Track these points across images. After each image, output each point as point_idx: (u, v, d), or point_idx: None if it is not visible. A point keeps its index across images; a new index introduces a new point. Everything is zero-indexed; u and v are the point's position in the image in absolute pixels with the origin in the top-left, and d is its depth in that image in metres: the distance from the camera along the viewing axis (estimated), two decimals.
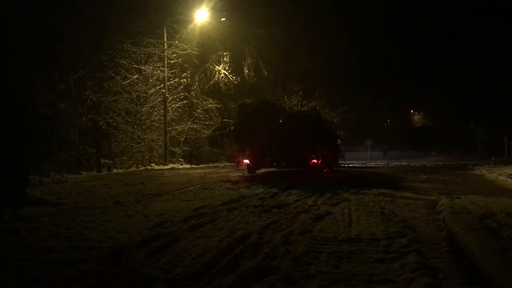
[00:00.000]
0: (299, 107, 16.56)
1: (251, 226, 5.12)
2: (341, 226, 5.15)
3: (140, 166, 19.96)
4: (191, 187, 9.85)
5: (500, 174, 12.04)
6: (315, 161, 13.67)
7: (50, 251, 3.99)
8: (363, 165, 21.43)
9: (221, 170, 17.24)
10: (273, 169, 14.95)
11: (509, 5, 31.88)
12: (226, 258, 3.67)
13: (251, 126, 13.60)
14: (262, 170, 15.01)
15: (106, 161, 17.78)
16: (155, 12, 20.27)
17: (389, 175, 14.03)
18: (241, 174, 13.87)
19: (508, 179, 10.81)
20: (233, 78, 24.18)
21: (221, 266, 3.46)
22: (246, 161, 14.19)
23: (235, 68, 24.42)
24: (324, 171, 14.50)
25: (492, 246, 3.64)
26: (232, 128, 15.15)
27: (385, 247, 4.09)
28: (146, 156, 21.16)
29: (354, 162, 24.76)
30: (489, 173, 13.28)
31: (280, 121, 14.39)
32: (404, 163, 22.94)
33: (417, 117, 50.93)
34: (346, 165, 19.95)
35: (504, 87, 30.92)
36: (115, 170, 17.78)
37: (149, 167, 19.79)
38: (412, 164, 22.08)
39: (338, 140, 17.05)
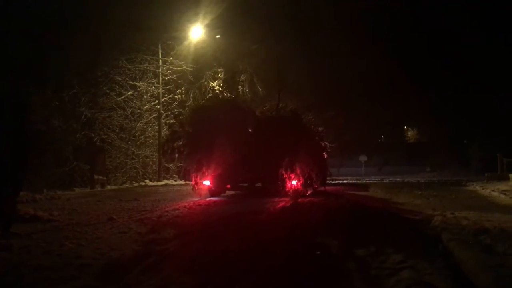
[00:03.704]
0: (274, 111, 12.95)
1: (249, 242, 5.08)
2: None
3: (134, 182, 19.86)
4: (185, 204, 9.81)
5: (493, 190, 12.09)
6: (294, 182, 10.75)
7: (43, 268, 3.95)
8: (358, 181, 21.42)
9: None
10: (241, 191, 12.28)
11: (500, 23, 32.28)
12: (221, 276, 3.64)
13: (211, 136, 10.86)
14: (228, 193, 12.34)
15: (100, 177, 17.70)
16: (150, 29, 20.39)
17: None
18: (198, 198, 11.05)
19: (502, 195, 10.86)
20: (227, 95, 24.28)
21: (216, 285, 3.44)
22: (206, 182, 11.34)
23: (229, 84, 24.53)
24: (308, 193, 11.67)
25: (486, 262, 3.65)
26: (185, 140, 11.80)
27: (380, 263, 4.08)
28: (140, 172, 21.09)
29: (349, 177, 24.76)
30: (483, 189, 13.32)
31: (249, 130, 11.83)
32: (398, 179, 22.96)
33: (411, 133, 51.12)
34: (339, 181, 19.89)
35: (498, 103, 31.17)
36: (108, 187, 17.68)
37: (143, 184, 19.70)
38: (406, 180, 22.11)
39: (324, 153, 13.88)
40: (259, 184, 11.64)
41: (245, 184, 11.74)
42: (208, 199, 10.89)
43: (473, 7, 33.33)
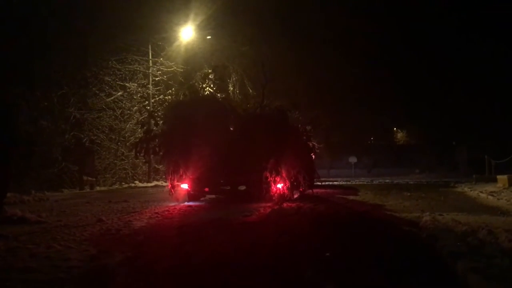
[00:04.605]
0: (258, 109, 11.75)
1: (237, 243, 5.07)
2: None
3: (123, 183, 19.76)
4: (175, 205, 9.77)
5: (481, 192, 12.18)
6: (280, 185, 9.80)
7: (30, 270, 3.91)
8: (347, 182, 21.47)
9: None
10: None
11: (489, 28, 32.73)
12: (211, 279, 3.63)
13: (189, 135, 10.05)
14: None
15: (89, 178, 17.59)
16: (140, 30, 20.35)
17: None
18: (175, 203, 10.08)
19: (489, 197, 10.95)
20: (218, 96, 24.22)
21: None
22: (184, 185, 10.45)
23: (220, 85, 24.49)
24: (295, 196, 10.71)
25: (474, 264, 3.68)
26: (161, 139, 10.82)
27: None
28: (130, 174, 20.98)
29: (339, 179, 24.84)
30: (471, 190, 13.42)
31: (231, 128, 10.95)
32: (387, 181, 23.08)
33: (400, 135, 51.45)
34: (329, 183, 19.93)
35: (486, 106, 31.56)
36: (98, 188, 17.58)
37: (133, 185, 19.61)
38: (395, 181, 22.22)
39: (312, 154, 12.83)
40: (242, 187, 10.67)
41: (227, 188, 10.69)
42: (185, 203, 10.14)
43: (460, 15, 33.85)
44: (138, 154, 11.89)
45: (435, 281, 3.63)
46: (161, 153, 11.06)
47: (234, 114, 11.23)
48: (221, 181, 10.61)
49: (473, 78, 33.27)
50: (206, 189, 10.77)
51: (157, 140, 11.02)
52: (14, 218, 6.97)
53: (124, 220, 7.29)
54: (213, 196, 11.35)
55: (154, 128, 11.73)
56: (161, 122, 11.72)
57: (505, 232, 4.86)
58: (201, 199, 11.00)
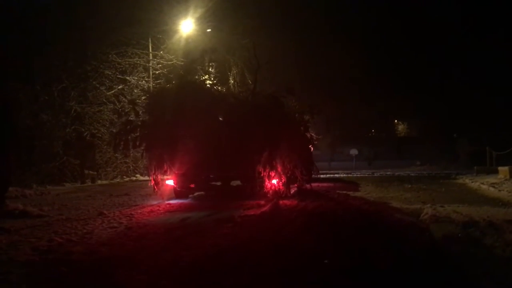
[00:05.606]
0: (250, 96, 10.63)
1: (237, 237, 5.08)
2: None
3: (125, 177, 19.77)
4: (176, 198, 9.77)
5: (482, 183, 12.18)
6: (274, 181, 8.89)
7: (32, 264, 3.92)
8: (348, 175, 21.45)
9: None
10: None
11: (488, 21, 32.57)
12: (212, 272, 3.63)
13: (174, 126, 9.13)
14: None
15: (90, 172, 17.61)
16: (140, 23, 20.25)
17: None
18: (158, 202, 9.12)
19: (491, 188, 10.95)
20: (218, 89, 24.17)
21: (206, 280, 3.42)
22: (170, 181, 9.70)
23: (220, 78, 24.45)
24: (292, 192, 9.60)
25: (475, 255, 3.69)
26: (142, 130, 9.67)
27: None
28: (131, 167, 20.97)
29: (340, 171, 24.82)
30: (472, 182, 13.42)
31: (220, 118, 9.86)
32: (389, 173, 23.05)
33: (401, 127, 51.40)
34: (330, 175, 19.93)
35: (487, 98, 31.47)
36: (99, 181, 17.60)
37: (134, 178, 19.62)
38: (396, 173, 22.21)
39: (310, 146, 11.40)
40: (235, 183, 9.97)
41: (218, 183, 9.85)
42: (171, 201, 9.26)
43: (460, 6, 33.71)
44: (116, 148, 10.71)
45: (436, 277, 3.62)
46: (142, 147, 9.89)
47: (224, 102, 10.02)
48: (211, 176, 9.84)
49: (474, 70, 33.16)
50: (192, 185, 9.92)
51: (138, 131, 9.80)
52: (16, 212, 7.01)
53: (125, 213, 7.30)
54: (202, 192, 10.31)
55: (135, 118, 10.61)
56: (143, 111, 10.67)
57: (506, 223, 4.87)
58: (190, 196, 10.12)
